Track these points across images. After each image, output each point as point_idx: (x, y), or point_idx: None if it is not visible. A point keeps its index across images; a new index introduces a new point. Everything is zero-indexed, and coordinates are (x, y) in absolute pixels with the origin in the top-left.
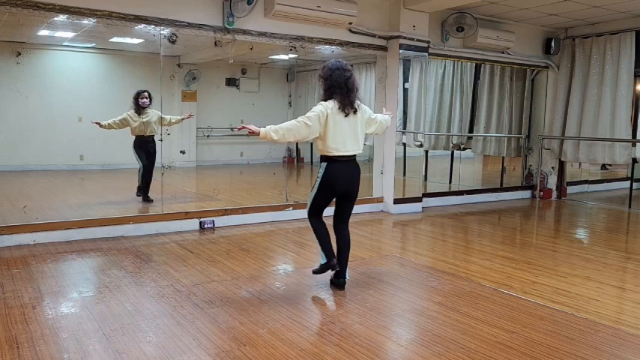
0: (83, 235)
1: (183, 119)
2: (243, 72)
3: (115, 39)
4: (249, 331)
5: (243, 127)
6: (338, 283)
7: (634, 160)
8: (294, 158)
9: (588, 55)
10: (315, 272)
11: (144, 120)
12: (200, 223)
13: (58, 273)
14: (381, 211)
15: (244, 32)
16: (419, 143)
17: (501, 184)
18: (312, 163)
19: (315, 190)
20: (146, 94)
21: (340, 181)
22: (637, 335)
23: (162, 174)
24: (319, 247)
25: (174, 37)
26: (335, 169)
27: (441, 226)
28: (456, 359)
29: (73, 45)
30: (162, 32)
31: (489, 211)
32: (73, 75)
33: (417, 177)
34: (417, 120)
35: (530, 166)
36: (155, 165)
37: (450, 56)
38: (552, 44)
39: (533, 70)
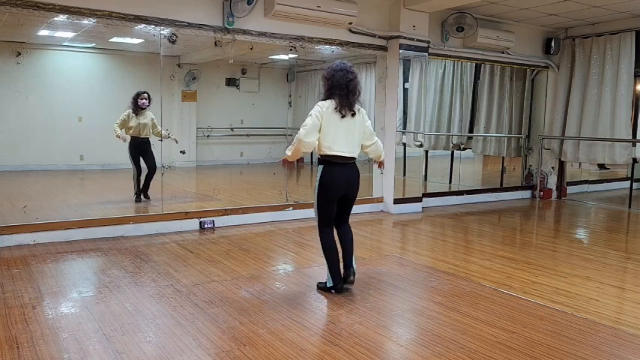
0: (83, 235)
1: (168, 136)
2: (243, 72)
3: (115, 39)
4: (249, 331)
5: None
6: (346, 278)
7: (634, 160)
8: None
9: (588, 55)
10: (319, 288)
11: (141, 121)
12: (200, 223)
13: (58, 273)
14: (381, 211)
15: (244, 32)
16: (419, 143)
17: (501, 184)
18: (312, 163)
19: (316, 197)
20: (145, 95)
21: (338, 183)
22: (637, 335)
23: (162, 174)
24: (326, 268)
25: (174, 37)
26: (332, 172)
27: (441, 226)
28: (456, 359)
29: (73, 45)
30: (162, 32)
31: (489, 211)
32: (73, 75)
33: (417, 177)
34: (417, 120)
35: (530, 166)
36: (156, 164)
37: (450, 56)
38: (552, 44)
39: (533, 70)
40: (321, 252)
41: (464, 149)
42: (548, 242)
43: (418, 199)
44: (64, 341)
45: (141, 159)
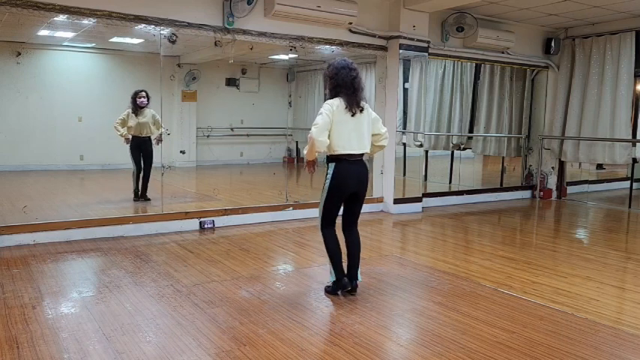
0: (83, 235)
1: (160, 135)
2: (243, 72)
3: (115, 39)
4: (249, 331)
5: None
6: (351, 286)
7: (634, 160)
8: (294, 158)
9: (588, 55)
10: (327, 292)
11: (140, 121)
12: (200, 223)
13: (58, 273)
14: (381, 211)
15: (244, 32)
16: (419, 143)
17: (501, 184)
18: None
19: (325, 194)
20: (144, 93)
21: (349, 181)
22: (637, 335)
23: (162, 174)
24: (329, 265)
25: (174, 37)
26: (344, 169)
27: (441, 226)
28: (456, 359)
29: (73, 45)
30: (162, 32)
31: (489, 211)
32: (73, 75)
33: (417, 177)
34: (417, 120)
35: (530, 166)
36: (153, 164)
37: (450, 56)
38: (552, 44)
39: (533, 70)
40: (322, 251)
41: (464, 149)
42: (548, 242)
43: (418, 199)
44: (64, 341)
45: (141, 157)
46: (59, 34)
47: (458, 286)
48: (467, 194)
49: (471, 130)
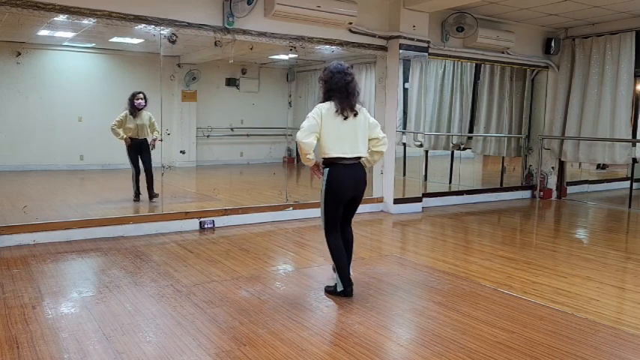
0: (83, 235)
1: (154, 141)
2: (243, 72)
3: (115, 39)
4: (249, 331)
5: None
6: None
7: (634, 160)
8: (294, 158)
9: (588, 55)
10: (327, 292)
11: (138, 123)
12: (200, 223)
13: (58, 273)
14: (381, 211)
15: (244, 32)
16: (419, 143)
17: (501, 184)
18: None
19: (323, 199)
20: (141, 95)
21: (346, 185)
22: (637, 335)
23: (162, 174)
24: (336, 272)
25: (174, 37)
26: (338, 173)
27: (441, 226)
28: (456, 359)
29: (73, 45)
30: (162, 32)
31: (489, 211)
32: (73, 75)
33: (417, 177)
34: (417, 120)
35: (530, 166)
36: (153, 163)
37: (450, 56)
38: (552, 44)
39: (533, 70)
40: (322, 251)
41: (464, 149)
42: (548, 242)
43: (418, 199)
44: (64, 341)
45: (139, 158)
46: (59, 34)
47: (458, 286)
48: (467, 194)
49: (471, 130)
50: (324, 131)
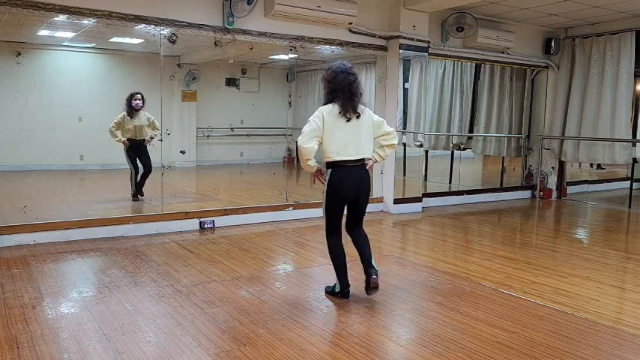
0: (83, 235)
1: (150, 138)
2: (243, 72)
3: (115, 39)
4: (249, 331)
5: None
6: (370, 283)
7: (634, 160)
8: (294, 158)
9: (588, 55)
10: (327, 292)
11: (136, 124)
12: (200, 223)
13: (58, 273)
14: (381, 211)
15: (244, 32)
16: (419, 143)
17: (501, 184)
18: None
19: (324, 202)
20: (139, 95)
21: (348, 186)
22: (637, 335)
23: (162, 174)
24: (334, 273)
25: (174, 37)
26: (341, 175)
27: (441, 226)
28: (456, 359)
29: (73, 45)
30: (162, 32)
31: (489, 211)
32: (73, 75)
33: (417, 177)
34: (417, 120)
35: (530, 166)
36: (152, 163)
37: (450, 56)
38: (552, 44)
39: (533, 70)
40: (322, 251)
41: (464, 149)
42: (548, 242)
43: (418, 199)
44: (64, 341)
45: (137, 159)
46: (59, 34)
47: (458, 286)
48: (467, 194)
49: (471, 130)
50: (326, 135)
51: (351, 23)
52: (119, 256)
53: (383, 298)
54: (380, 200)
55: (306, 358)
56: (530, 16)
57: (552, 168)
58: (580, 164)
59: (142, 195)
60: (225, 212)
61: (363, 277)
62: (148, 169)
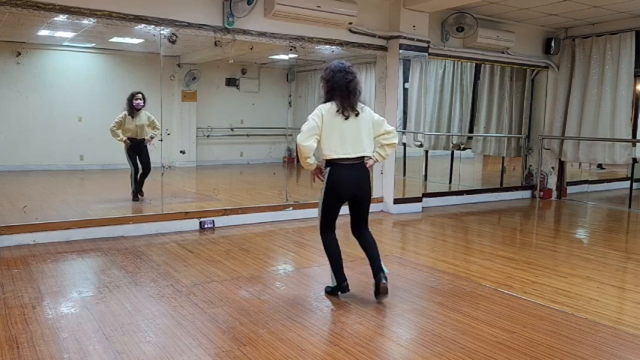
0: (83, 235)
1: (150, 138)
2: (243, 72)
3: (115, 39)
4: (249, 331)
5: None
6: (380, 287)
7: (634, 160)
8: (293, 158)
9: (588, 55)
10: (327, 292)
11: (137, 123)
12: (200, 223)
13: (58, 273)
14: (381, 211)
15: (244, 32)
16: (419, 143)
17: (501, 184)
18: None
19: (322, 199)
20: (140, 95)
21: (346, 185)
22: (637, 335)
23: (162, 174)
24: (330, 270)
25: (174, 37)
26: (339, 173)
27: (441, 226)
28: (456, 359)
29: (73, 45)
30: (162, 32)
31: (489, 211)
32: (73, 75)
33: (417, 177)
34: (417, 120)
35: (530, 166)
36: (152, 162)
37: (450, 56)
38: (552, 44)
39: (533, 70)
40: (322, 251)
41: (464, 149)
42: (548, 242)
43: (418, 199)
44: (64, 341)
45: (138, 158)
46: (59, 34)
47: (458, 286)
48: (467, 194)
49: (471, 130)
50: (325, 133)
51: (351, 23)
52: (119, 256)
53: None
54: (380, 200)
55: (306, 358)
56: (530, 16)
57: (552, 168)
58: (580, 164)
59: (142, 195)
60: (225, 212)
61: (363, 277)
62: (146, 169)
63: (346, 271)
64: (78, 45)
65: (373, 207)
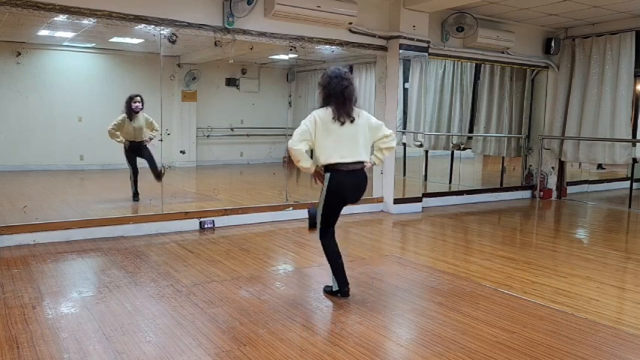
0: (83, 235)
1: (149, 139)
2: (243, 72)
3: (115, 39)
4: (249, 331)
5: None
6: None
7: (634, 160)
8: None
9: (588, 55)
10: (326, 292)
11: (135, 126)
12: (200, 223)
13: (58, 273)
14: (381, 211)
15: (244, 32)
16: (419, 143)
17: (501, 184)
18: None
19: (321, 205)
20: (138, 98)
21: (346, 190)
22: (637, 335)
23: (163, 174)
24: (331, 273)
25: (174, 37)
26: (339, 178)
27: (441, 226)
28: (456, 359)
29: (73, 45)
30: (162, 32)
31: (489, 211)
32: (73, 75)
33: (417, 177)
34: (417, 120)
35: (530, 166)
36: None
37: (450, 56)
38: (552, 44)
39: (533, 70)
40: (322, 251)
41: (464, 149)
42: (548, 242)
43: (418, 199)
44: (64, 341)
45: (137, 159)
46: (59, 34)
47: (458, 286)
48: (467, 194)
49: (471, 130)
50: (319, 139)
51: (351, 23)
52: (119, 256)
53: (383, 298)
54: (380, 200)
55: (306, 358)
56: (530, 16)
57: (552, 168)
58: (580, 164)
59: (161, 177)
60: (225, 212)
61: (363, 277)
62: (152, 164)
63: (346, 271)
64: (78, 45)
65: (373, 207)
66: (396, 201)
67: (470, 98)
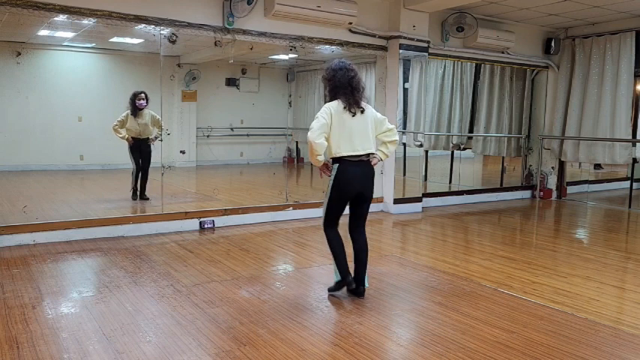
0: (83, 235)
1: (154, 138)
2: (243, 72)
3: (115, 39)
4: (249, 331)
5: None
6: (357, 292)
7: (634, 160)
8: (294, 158)
9: (588, 55)
10: (330, 290)
11: (140, 122)
12: (200, 223)
13: (58, 273)
14: (381, 211)
15: (244, 32)
16: (419, 143)
17: (501, 184)
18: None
19: (328, 195)
20: (143, 95)
21: (353, 181)
22: (637, 335)
23: (162, 174)
24: (333, 264)
25: (174, 37)
26: (347, 170)
27: (441, 226)
28: (456, 359)
29: (73, 45)
30: (162, 32)
31: (489, 211)
32: (73, 75)
33: (417, 177)
34: (417, 120)
35: (530, 166)
36: (151, 164)
37: (450, 56)
38: (552, 44)
39: (533, 70)
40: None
41: (464, 149)
42: (548, 242)
43: (418, 199)
44: (64, 341)
45: (140, 157)
46: (59, 34)
47: (458, 286)
48: (467, 194)
49: (471, 130)
50: (334, 130)
51: (351, 23)
52: (119, 256)
53: (383, 298)
54: (380, 200)
55: (306, 358)
56: (530, 16)
57: (552, 168)
58: (580, 164)
59: (148, 199)
60: (225, 212)
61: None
62: (145, 171)
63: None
64: (78, 45)
65: (373, 207)
66: (396, 201)
67: (470, 98)
